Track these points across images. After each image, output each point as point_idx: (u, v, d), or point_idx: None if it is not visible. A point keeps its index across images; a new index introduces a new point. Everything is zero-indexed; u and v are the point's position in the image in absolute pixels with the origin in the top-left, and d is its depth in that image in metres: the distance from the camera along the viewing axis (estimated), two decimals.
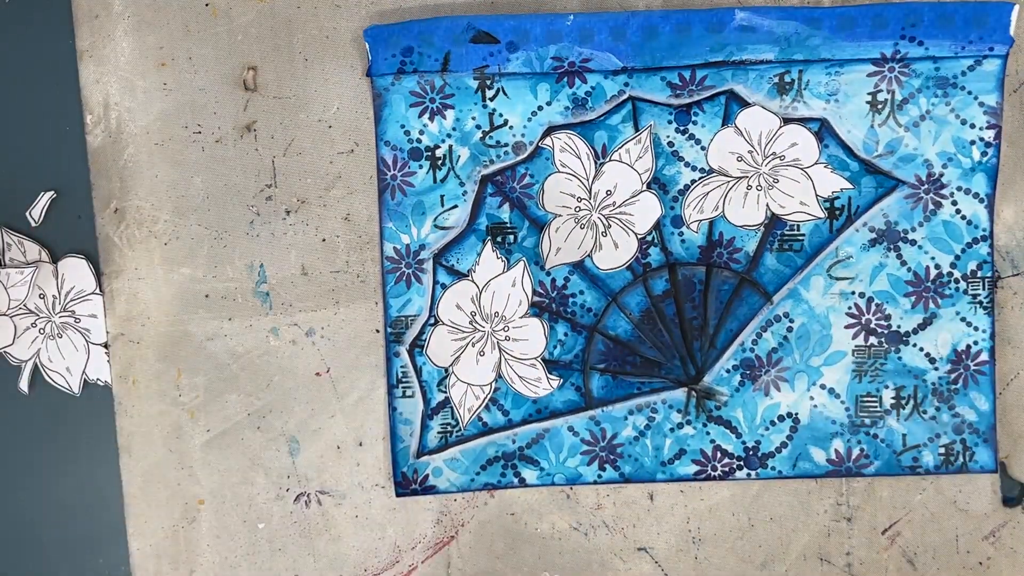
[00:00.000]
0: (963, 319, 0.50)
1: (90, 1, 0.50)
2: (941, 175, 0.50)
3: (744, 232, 0.50)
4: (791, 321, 0.51)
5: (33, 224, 0.52)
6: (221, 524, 0.52)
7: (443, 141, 0.50)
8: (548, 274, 0.51)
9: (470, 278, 0.50)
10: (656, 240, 0.50)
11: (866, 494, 0.51)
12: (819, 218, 0.50)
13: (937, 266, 0.50)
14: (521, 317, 0.50)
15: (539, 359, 0.50)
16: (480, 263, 0.50)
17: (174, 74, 0.51)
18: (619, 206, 0.50)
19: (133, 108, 0.51)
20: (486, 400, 0.51)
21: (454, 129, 0.50)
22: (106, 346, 0.52)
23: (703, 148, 0.50)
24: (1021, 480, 0.51)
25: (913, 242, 0.50)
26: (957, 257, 0.50)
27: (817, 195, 0.50)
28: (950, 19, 0.49)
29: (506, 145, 0.50)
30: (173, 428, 0.52)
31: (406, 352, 0.51)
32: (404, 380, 0.51)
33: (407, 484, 0.51)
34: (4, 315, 0.52)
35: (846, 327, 0.51)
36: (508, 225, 0.50)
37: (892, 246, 0.50)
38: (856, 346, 0.51)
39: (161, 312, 0.51)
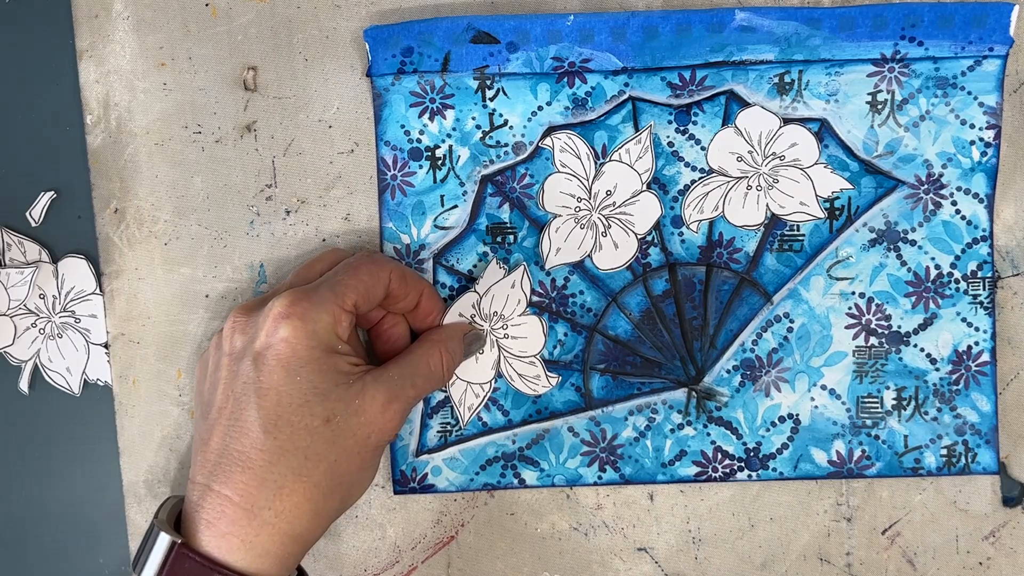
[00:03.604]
0: (964, 319, 0.50)
1: (90, 1, 0.50)
2: (941, 175, 0.50)
3: (744, 232, 0.50)
4: (791, 321, 0.51)
5: (33, 224, 0.52)
6: None
7: (443, 141, 0.50)
8: (548, 274, 0.51)
9: (473, 289, 0.50)
10: (656, 240, 0.50)
11: (866, 494, 0.51)
12: (819, 218, 0.50)
13: (937, 266, 0.50)
14: (520, 315, 0.50)
15: (538, 357, 0.50)
16: (484, 276, 0.50)
17: (174, 74, 0.51)
18: (619, 206, 0.50)
19: (133, 108, 0.51)
20: (486, 398, 0.51)
21: (454, 129, 0.50)
22: (106, 346, 0.52)
23: (703, 148, 0.50)
24: (1021, 480, 0.51)
25: (913, 242, 0.50)
26: (957, 257, 0.50)
27: (817, 195, 0.50)
28: (950, 19, 0.49)
29: (506, 145, 0.50)
30: (173, 428, 0.52)
31: None
32: None
33: (405, 482, 0.51)
34: (4, 315, 0.52)
35: (846, 327, 0.51)
36: (508, 225, 0.50)
37: (892, 246, 0.50)
38: (856, 347, 0.51)
39: (161, 312, 0.51)
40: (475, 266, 0.51)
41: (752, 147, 0.50)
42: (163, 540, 0.42)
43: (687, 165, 0.50)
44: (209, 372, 0.46)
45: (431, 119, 0.50)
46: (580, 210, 0.50)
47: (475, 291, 0.50)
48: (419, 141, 0.50)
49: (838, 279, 0.50)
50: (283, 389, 0.42)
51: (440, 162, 0.50)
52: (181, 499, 0.45)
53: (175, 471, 0.52)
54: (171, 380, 0.52)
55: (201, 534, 0.42)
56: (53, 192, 0.52)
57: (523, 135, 0.50)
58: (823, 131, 0.50)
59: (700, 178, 0.50)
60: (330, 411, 0.43)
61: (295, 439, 0.42)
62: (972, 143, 0.50)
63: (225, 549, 0.41)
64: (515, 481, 0.51)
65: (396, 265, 0.47)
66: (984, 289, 0.50)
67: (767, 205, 0.50)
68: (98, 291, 0.52)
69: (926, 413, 0.51)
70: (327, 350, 0.43)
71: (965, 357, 0.50)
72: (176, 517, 0.44)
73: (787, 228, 0.50)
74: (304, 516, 0.42)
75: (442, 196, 0.50)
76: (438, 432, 0.51)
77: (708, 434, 0.51)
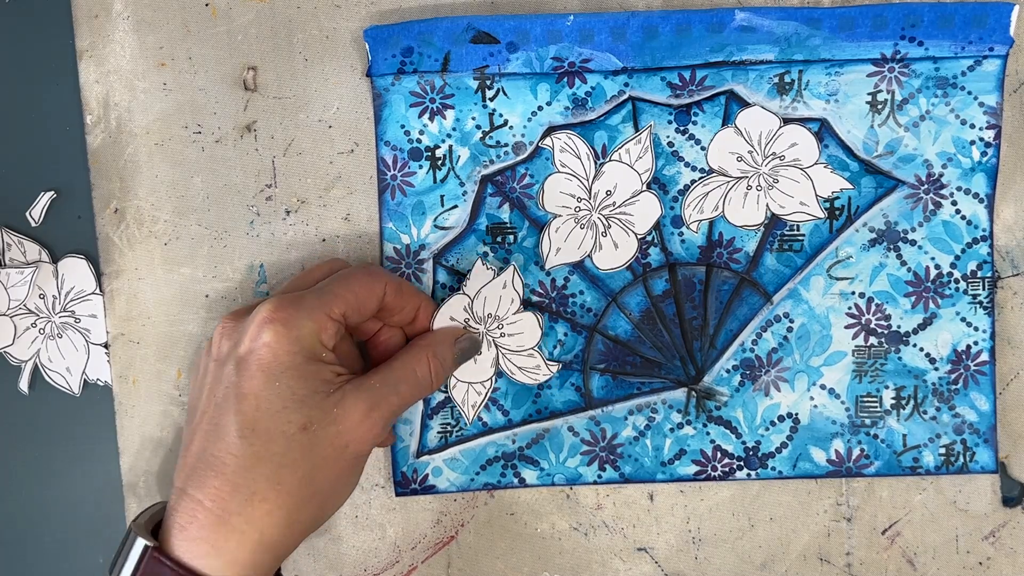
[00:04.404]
0: (963, 319, 0.50)
1: (90, 1, 0.50)
2: (941, 175, 0.50)
3: (744, 232, 0.50)
4: (791, 321, 0.51)
5: (33, 224, 0.52)
6: None
7: (443, 141, 0.50)
8: (548, 274, 0.51)
9: (462, 291, 0.49)
10: (656, 240, 0.50)
11: (866, 494, 0.51)
12: (819, 218, 0.50)
13: (937, 266, 0.50)
14: (514, 314, 0.50)
15: (536, 348, 0.50)
16: (471, 277, 0.49)
17: (174, 74, 0.51)
18: (619, 206, 0.50)
19: (133, 108, 0.51)
20: (488, 395, 0.50)
21: (454, 129, 0.50)
22: (106, 346, 0.52)
23: (703, 148, 0.50)
24: (1021, 480, 0.51)
25: (913, 242, 0.50)
26: (957, 257, 0.50)
27: (817, 195, 0.50)
28: (950, 19, 0.49)
29: (506, 145, 0.50)
30: (173, 428, 0.52)
31: None
32: None
33: (407, 484, 0.51)
34: (4, 315, 0.52)
35: (846, 327, 0.51)
36: (508, 225, 0.50)
37: (892, 246, 0.50)
38: (856, 346, 0.51)
39: (161, 312, 0.51)
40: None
41: (752, 147, 0.50)
42: (139, 544, 0.41)
43: (687, 165, 0.50)
44: (198, 377, 0.46)
45: (431, 119, 0.50)
46: (580, 210, 0.50)
47: (464, 293, 0.49)
48: (419, 141, 0.50)
49: (838, 279, 0.50)
50: (262, 394, 0.42)
51: (440, 162, 0.50)
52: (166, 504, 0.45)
53: (175, 471, 0.52)
54: (171, 380, 0.52)
55: (174, 539, 0.42)
56: (53, 192, 0.52)
57: (523, 135, 0.50)
58: (823, 131, 0.50)
59: (700, 178, 0.50)
60: (307, 418, 0.42)
61: (270, 445, 0.42)
62: (972, 143, 0.50)
63: (195, 554, 0.41)
64: (515, 480, 0.51)
65: (393, 278, 0.47)
66: (984, 289, 0.50)
67: (767, 205, 0.50)
68: (98, 291, 0.52)
69: (925, 412, 0.51)
70: (309, 357, 0.43)
71: (964, 357, 0.51)
72: (159, 522, 0.44)
73: (787, 228, 0.50)
74: (276, 525, 0.42)
75: (442, 196, 0.50)
76: (438, 433, 0.51)
77: (707, 433, 0.51)
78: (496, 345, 0.50)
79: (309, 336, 0.43)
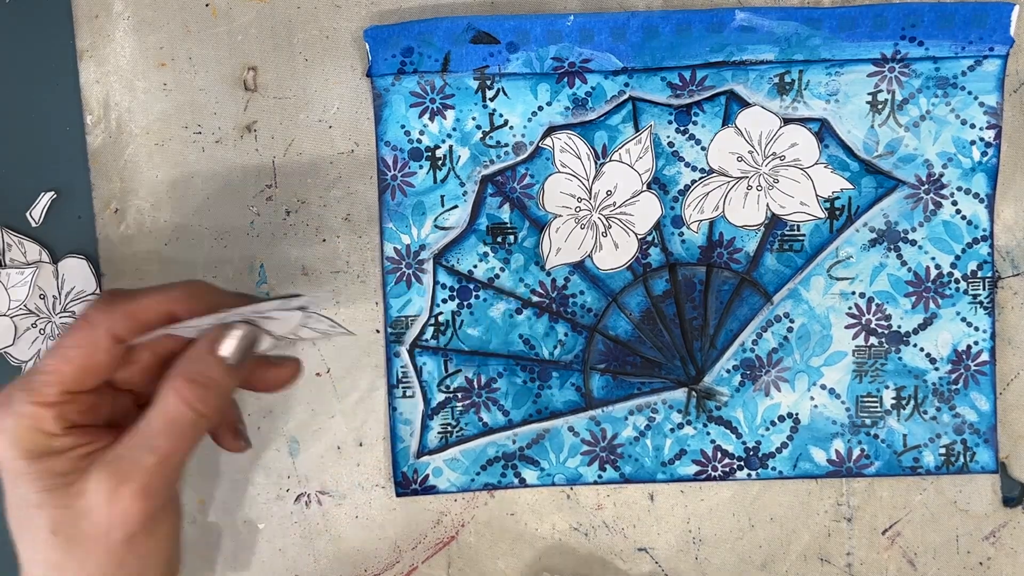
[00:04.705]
0: (963, 319, 0.50)
1: (90, 1, 0.50)
2: (941, 175, 0.50)
3: (744, 232, 0.50)
4: (791, 321, 0.51)
5: (33, 224, 0.52)
6: (221, 524, 0.52)
7: (443, 141, 0.50)
8: (548, 274, 0.51)
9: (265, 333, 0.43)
10: (656, 240, 0.50)
11: (866, 494, 0.51)
12: (819, 218, 0.50)
13: (937, 266, 0.50)
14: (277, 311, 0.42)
15: (331, 320, 0.44)
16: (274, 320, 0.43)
17: (174, 74, 0.51)
18: (619, 206, 0.50)
19: (133, 108, 0.51)
20: (320, 317, 0.44)
21: (454, 129, 0.50)
22: None
23: (703, 148, 0.50)
24: (1021, 480, 0.51)
25: (913, 242, 0.50)
26: (957, 257, 0.50)
27: (817, 195, 0.50)
28: (950, 19, 0.49)
29: (506, 145, 0.50)
30: None
31: (406, 352, 0.51)
32: (404, 380, 0.51)
33: (407, 484, 0.51)
34: (5, 316, 0.52)
35: (846, 327, 0.51)
36: (508, 225, 0.50)
37: (892, 246, 0.50)
38: (856, 346, 0.51)
39: None
40: (475, 266, 0.51)
41: (752, 147, 0.50)
42: None
43: (687, 165, 0.50)
44: None
45: (431, 119, 0.50)
46: (580, 210, 0.50)
47: (269, 337, 0.43)
48: (419, 141, 0.50)
49: (838, 279, 0.50)
50: (9, 503, 0.39)
51: (440, 162, 0.50)
52: None
53: None
54: None
55: None
56: (53, 192, 0.52)
57: (523, 135, 0.50)
58: (823, 131, 0.50)
59: (700, 178, 0.50)
60: (51, 521, 0.37)
61: (31, 555, 0.39)
62: (972, 143, 0.50)
63: None
64: (515, 480, 0.51)
65: (129, 309, 0.40)
66: (984, 289, 0.50)
67: (767, 205, 0.50)
68: (98, 291, 0.52)
69: (925, 412, 0.51)
70: (33, 456, 0.38)
71: (964, 357, 0.51)
72: None
73: (787, 228, 0.50)
74: None
75: (442, 196, 0.50)
76: (439, 433, 0.51)
77: (708, 433, 0.51)
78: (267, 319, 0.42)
79: (25, 434, 0.38)
